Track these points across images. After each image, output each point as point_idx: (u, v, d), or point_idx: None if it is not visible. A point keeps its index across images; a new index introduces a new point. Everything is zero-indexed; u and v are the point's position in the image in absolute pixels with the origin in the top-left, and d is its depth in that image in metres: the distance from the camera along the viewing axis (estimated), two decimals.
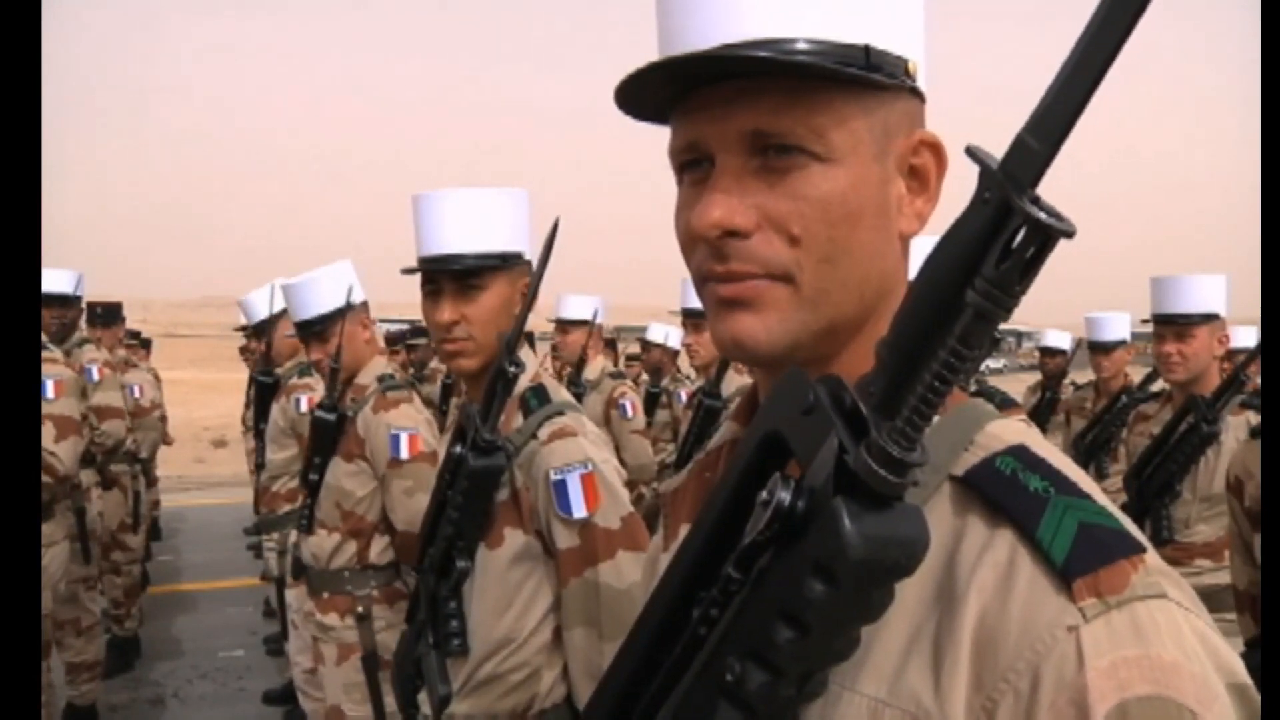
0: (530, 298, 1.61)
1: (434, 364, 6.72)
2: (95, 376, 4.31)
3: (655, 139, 0.71)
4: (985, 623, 0.54)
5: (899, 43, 0.65)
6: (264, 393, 4.03)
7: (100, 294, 6.15)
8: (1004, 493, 0.57)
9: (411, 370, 6.74)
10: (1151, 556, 0.55)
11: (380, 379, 2.73)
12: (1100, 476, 4.27)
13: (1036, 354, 5.88)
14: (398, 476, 2.59)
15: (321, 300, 2.71)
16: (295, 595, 3.17)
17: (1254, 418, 2.83)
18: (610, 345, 6.86)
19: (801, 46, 0.62)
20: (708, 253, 0.65)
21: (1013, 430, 0.63)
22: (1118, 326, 4.64)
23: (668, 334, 5.90)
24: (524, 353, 1.66)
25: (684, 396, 5.55)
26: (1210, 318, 2.96)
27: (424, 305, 1.76)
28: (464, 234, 1.71)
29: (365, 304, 2.84)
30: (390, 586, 2.67)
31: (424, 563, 1.72)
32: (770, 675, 0.49)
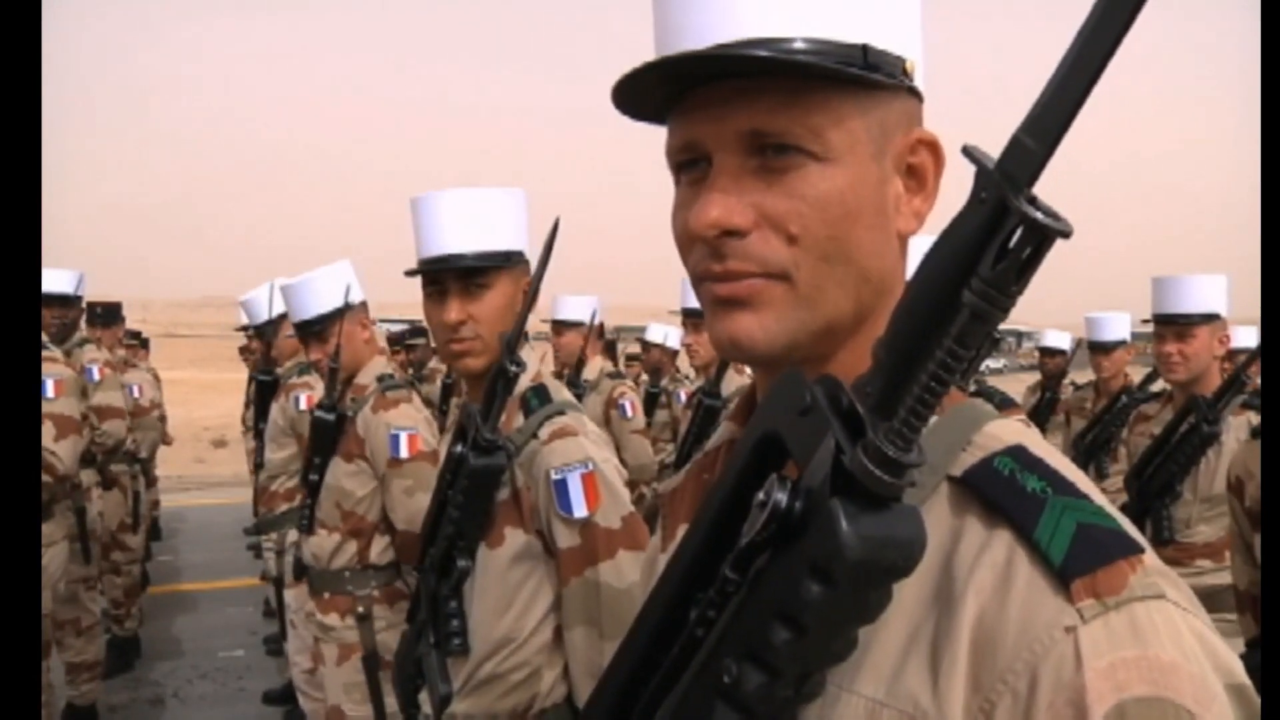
0: (531, 297, 1.61)
1: (434, 364, 6.72)
2: (95, 376, 4.31)
3: (655, 139, 0.71)
4: (983, 623, 0.54)
5: (897, 42, 0.65)
6: (264, 392, 4.03)
7: (100, 294, 6.15)
8: (1002, 493, 0.57)
9: (411, 370, 6.74)
10: (1150, 557, 0.55)
11: (380, 379, 2.73)
12: (1100, 476, 4.27)
13: (1036, 354, 5.88)
14: (398, 476, 2.59)
15: (320, 300, 2.72)
16: (295, 595, 3.17)
17: (1255, 418, 2.83)
18: (610, 346, 6.86)
19: (799, 46, 0.62)
20: (705, 252, 0.65)
21: (1011, 430, 0.63)
22: (1118, 326, 4.64)
23: (667, 334, 5.91)
24: (525, 352, 1.66)
25: (683, 396, 5.55)
26: (1211, 318, 2.95)
27: (427, 306, 1.76)
28: (466, 233, 1.71)
29: (364, 304, 2.84)
30: (391, 586, 2.67)
31: (425, 562, 1.72)
32: (767, 676, 0.49)
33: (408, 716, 1.88)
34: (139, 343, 8.27)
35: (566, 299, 4.80)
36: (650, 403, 5.67)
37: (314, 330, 2.73)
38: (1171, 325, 2.98)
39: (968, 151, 0.46)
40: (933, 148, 0.68)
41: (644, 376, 6.43)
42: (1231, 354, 3.58)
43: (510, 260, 1.74)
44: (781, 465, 0.53)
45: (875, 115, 0.64)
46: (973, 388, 2.60)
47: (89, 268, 4.39)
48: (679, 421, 5.16)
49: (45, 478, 3.16)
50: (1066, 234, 0.42)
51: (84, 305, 4.72)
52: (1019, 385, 6.88)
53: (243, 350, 6.88)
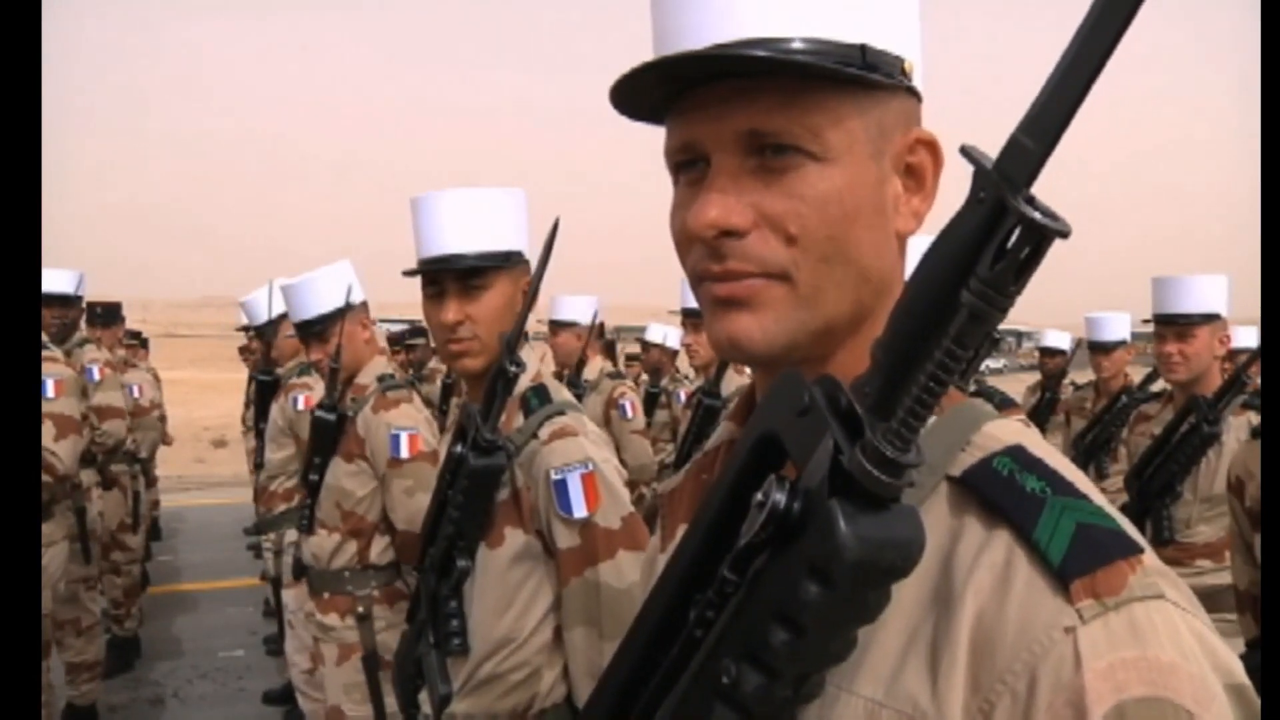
0: (531, 297, 1.61)
1: (434, 364, 6.72)
2: (96, 376, 4.31)
3: (655, 139, 0.72)
4: (982, 624, 0.54)
5: (895, 42, 0.65)
6: (265, 392, 4.03)
7: (100, 294, 6.15)
8: (1001, 493, 0.57)
9: (411, 370, 6.74)
10: (1149, 557, 0.55)
11: (380, 379, 2.73)
12: (1100, 477, 4.27)
13: (1036, 354, 5.88)
14: (398, 476, 2.59)
15: (321, 300, 2.72)
16: (294, 595, 3.17)
17: (1255, 418, 2.83)
18: (610, 346, 6.86)
19: (798, 46, 0.62)
20: (704, 253, 0.65)
21: (1010, 430, 0.63)
22: (1118, 326, 4.63)
23: (666, 334, 5.91)
24: (525, 352, 1.66)
25: (683, 396, 5.55)
26: (1211, 318, 2.95)
27: (426, 307, 1.76)
28: (465, 234, 1.71)
29: (365, 304, 2.84)
30: (391, 586, 2.67)
31: (424, 562, 1.72)
32: (766, 677, 0.49)
33: (408, 717, 1.88)
34: (139, 343, 8.27)
35: (564, 299, 4.80)
36: (650, 403, 5.67)
37: (314, 330, 2.73)
38: (1172, 325, 2.97)
39: (966, 151, 0.46)
40: (931, 147, 0.68)
41: (644, 376, 6.43)
42: (1232, 354, 3.58)
43: (509, 261, 1.74)
44: (780, 465, 0.53)
45: (874, 115, 0.64)
46: (973, 388, 2.60)
47: (89, 268, 4.39)
48: (679, 421, 5.16)
49: (45, 478, 3.16)
50: (1065, 234, 0.42)
51: (84, 305, 4.72)
52: (1019, 385, 6.88)
53: (243, 350, 6.88)
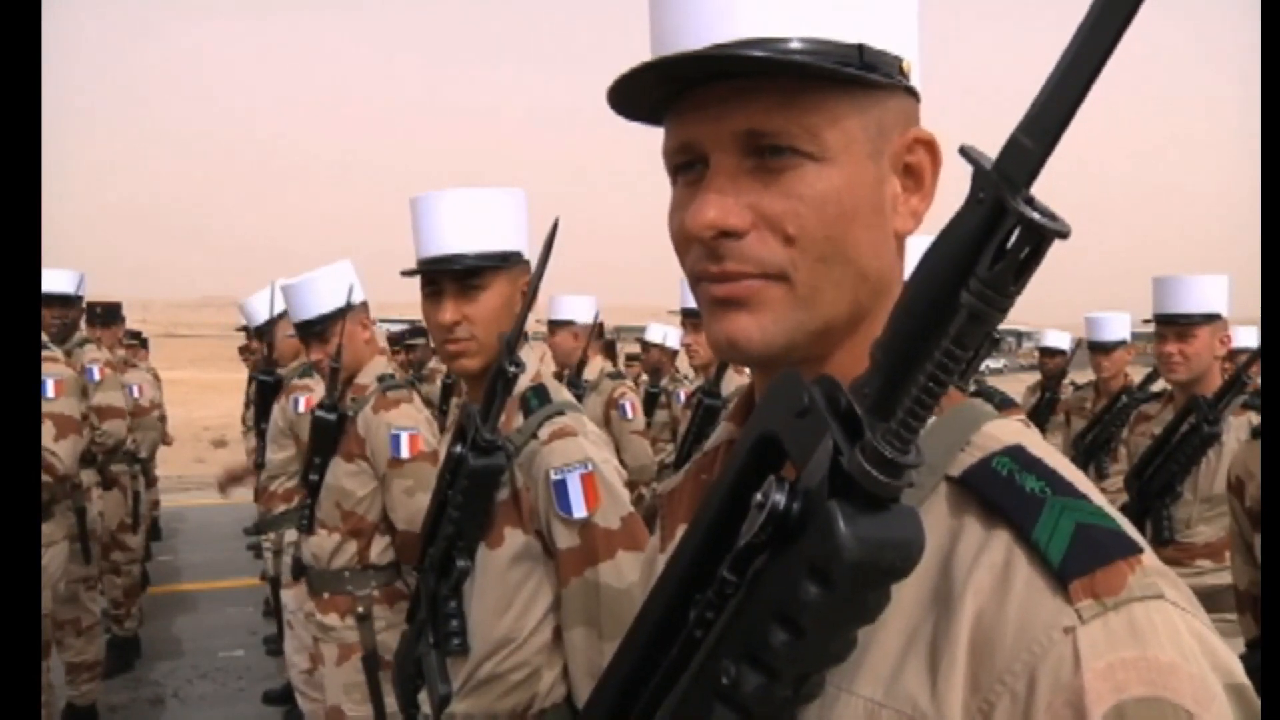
0: (530, 297, 1.61)
1: (434, 364, 6.72)
2: (96, 376, 4.31)
3: (654, 140, 0.71)
4: (982, 624, 0.54)
5: (893, 41, 0.65)
6: (266, 392, 4.03)
7: (100, 294, 6.15)
8: (1000, 493, 0.57)
9: (411, 370, 6.74)
10: (1148, 557, 0.55)
11: (380, 379, 2.73)
12: (1100, 477, 4.27)
13: (1036, 354, 5.88)
14: (398, 476, 2.59)
15: (321, 300, 2.72)
16: (294, 595, 3.17)
17: (1255, 418, 2.83)
18: (610, 346, 6.86)
19: (795, 46, 0.62)
20: (702, 253, 0.65)
21: (1009, 430, 0.63)
22: (1118, 326, 4.63)
23: (666, 334, 5.91)
24: (525, 352, 1.66)
25: (683, 396, 5.56)
26: (1212, 318, 2.95)
27: (424, 306, 1.76)
28: (463, 234, 1.71)
29: (365, 304, 2.84)
30: (391, 586, 2.67)
31: (424, 562, 1.72)
32: (766, 678, 0.49)
33: (407, 717, 1.88)
34: (139, 343, 8.27)
35: (562, 298, 4.80)
36: (650, 403, 5.67)
37: (315, 330, 2.73)
38: (1172, 325, 2.97)
39: (965, 152, 0.45)
40: (930, 147, 0.68)
41: (644, 376, 6.44)
42: (1232, 354, 3.58)
43: (507, 261, 1.74)
44: (779, 466, 0.53)
45: (872, 115, 0.64)
46: (973, 388, 2.60)
47: (89, 268, 4.39)
48: (679, 421, 5.16)
49: (45, 478, 3.16)
50: (1064, 234, 0.42)
51: (84, 305, 4.72)
52: (1019, 385, 6.88)
53: (243, 350, 6.88)
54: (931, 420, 0.49)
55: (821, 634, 0.47)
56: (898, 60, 0.65)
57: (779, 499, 0.48)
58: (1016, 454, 0.60)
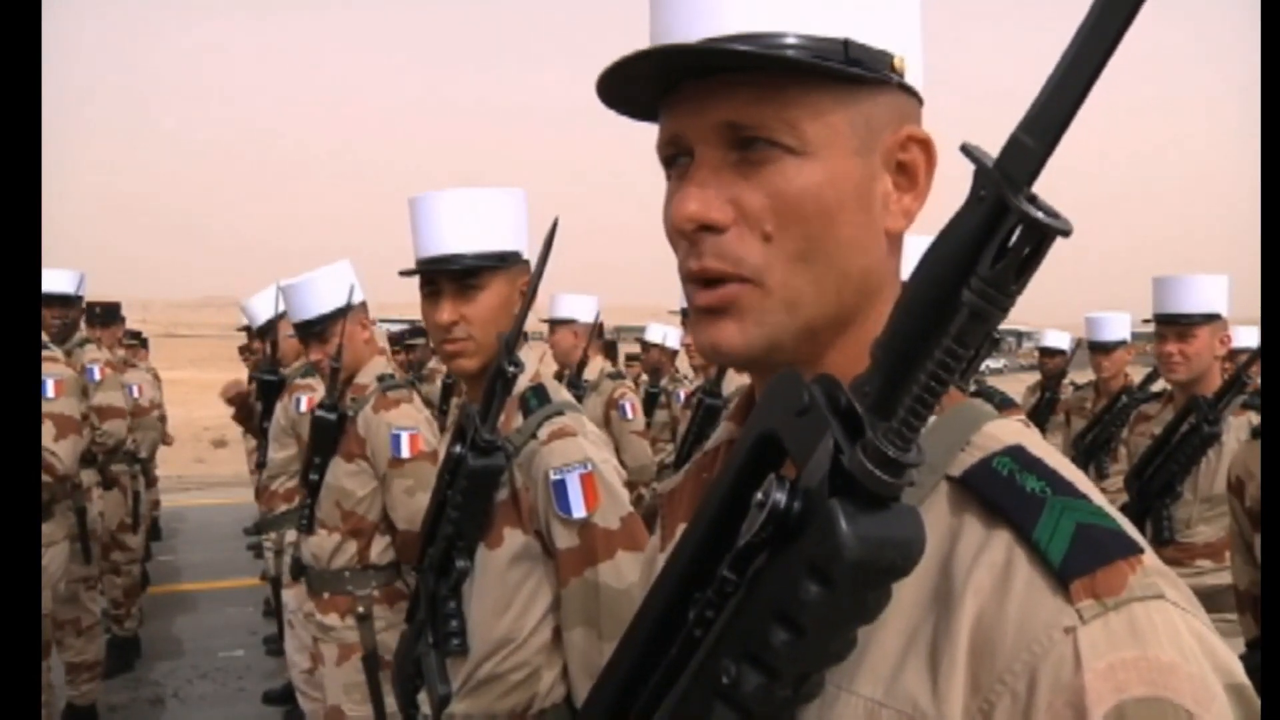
0: (529, 297, 1.61)
1: (434, 364, 6.73)
2: (96, 376, 4.31)
3: (654, 139, 0.72)
4: (982, 624, 0.54)
5: (885, 38, 0.64)
6: (268, 392, 4.04)
7: (100, 294, 6.15)
8: (1001, 493, 0.57)
9: (411, 370, 6.74)
10: (1149, 557, 0.55)
11: (380, 379, 2.73)
12: (1100, 476, 4.27)
13: (1036, 354, 5.88)
14: (399, 476, 2.59)
15: (321, 301, 2.72)
16: (294, 595, 3.17)
17: (1255, 418, 2.83)
18: (610, 346, 6.86)
19: (783, 41, 0.62)
20: (686, 249, 0.66)
21: (1010, 430, 0.63)
22: (1118, 326, 4.63)
23: (666, 334, 5.91)
24: (524, 352, 1.66)
25: (682, 396, 5.56)
26: (1212, 318, 2.95)
27: (423, 306, 1.76)
28: (462, 234, 1.71)
29: (364, 304, 2.85)
30: (391, 586, 2.67)
31: (424, 562, 1.72)
32: (766, 677, 0.49)
33: (407, 717, 1.88)
34: (139, 343, 8.26)
35: (562, 297, 4.80)
36: (650, 403, 5.67)
37: (314, 330, 2.73)
38: (1172, 325, 2.97)
39: (966, 149, 0.45)
40: (924, 145, 0.67)
41: (644, 376, 6.44)
42: (1232, 354, 3.58)
43: (505, 261, 1.74)
44: (779, 465, 0.52)
45: (860, 111, 0.64)
46: (973, 388, 2.60)
47: (89, 268, 4.39)
48: (679, 421, 5.17)
49: (45, 478, 3.16)
50: (1066, 232, 0.42)
51: (84, 305, 4.72)
52: (1019, 385, 6.88)
53: (243, 350, 6.88)
54: (932, 420, 0.49)
55: (822, 633, 0.47)
56: (889, 57, 0.64)
57: (779, 498, 0.48)
58: (1017, 454, 0.59)
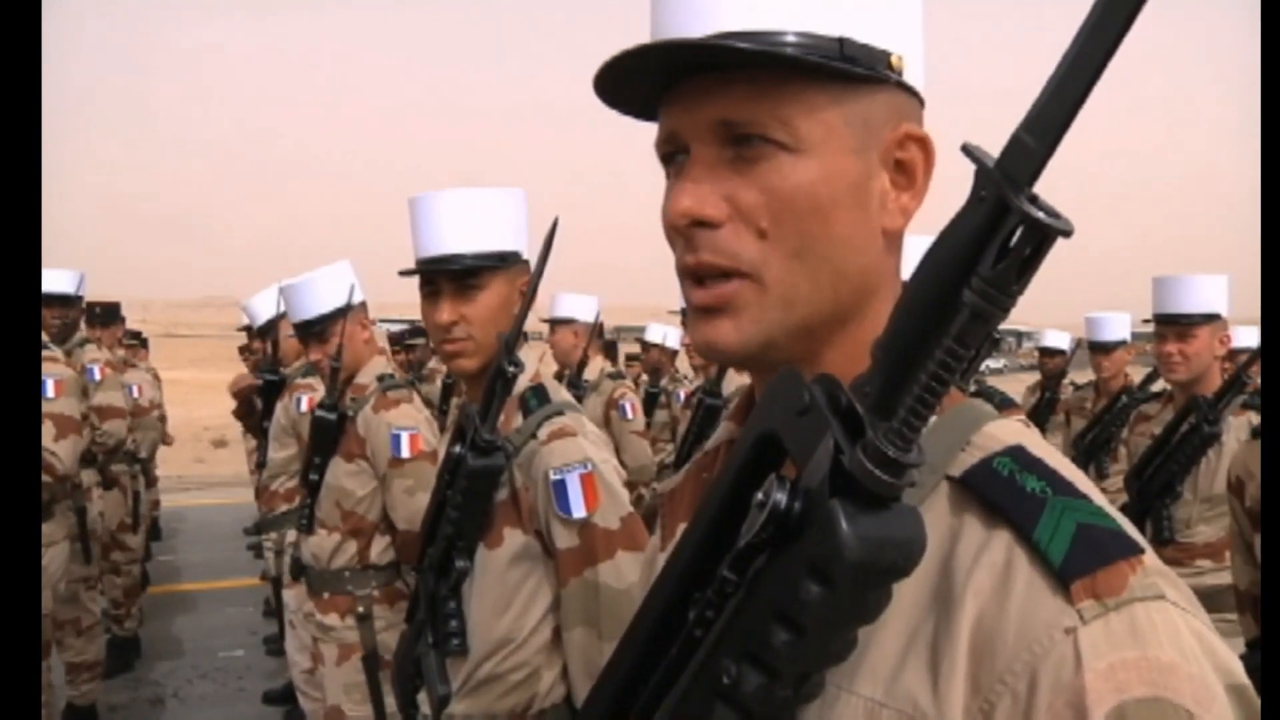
0: (529, 297, 1.61)
1: (434, 364, 6.73)
2: (96, 376, 4.31)
3: (653, 138, 0.72)
4: (982, 624, 0.54)
5: (883, 36, 0.64)
6: (270, 391, 4.04)
7: (100, 294, 6.15)
8: (1001, 493, 0.57)
9: (411, 370, 6.74)
10: (1149, 557, 0.55)
11: (380, 378, 2.73)
12: (1100, 476, 4.27)
13: (1036, 354, 5.88)
14: (399, 476, 2.59)
15: (320, 301, 2.72)
16: (294, 595, 3.18)
17: (1255, 418, 2.83)
18: (610, 346, 6.86)
19: (787, 39, 0.62)
20: (682, 245, 0.66)
21: (1010, 431, 0.63)
22: (1118, 326, 4.63)
23: (666, 334, 5.91)
24: (524, 352, 1.66)
25: (682, 396, 5.56)
26: (1212, 318, 2.95)
27: (423, 306, 1.76)
28: (461, 234, 1.71)
29: (364, 304, 2.85)
30: (391, 586, 2.67)
31: (423, 562, 1.72)
32: (767, 677, 0.49)
33: (407, 717, 1.88)
34: (139, 343, 8.26)
35: (563, 296, 4.80)
36: (650, 403, 5.67)
37: (314, 330, 2.73)
38: (1172, 325, 2.97)
39: (967, 149, 0.45)
40: (922, 143, 0.67)
41: (644, 376, 6.44)
42: (1232, 354, 3.58)
43: (505, 261, 1.74)
44: (779, 465, 0.52)
45: (856, 108, 0.64)
46: (973, 388, 2.60)
47: (89, 268, 4.39)
48: (679, 421, 5.17)
49: (45, 478, 3.16)
50: (1067, 233, 0.42)
51: (84, 305, 4.72)
52: (1019, 385, 6.88)
53: (243, 350, 6.88)
54: (932, 420, 0.49)
55: (822, 633, 0.47)
56: (886, 55, 0.64)
57: (780, 498, 0.48)
58: (1017, 454, 0.59)
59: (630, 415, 4.67)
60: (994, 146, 0.44)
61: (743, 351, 0.66)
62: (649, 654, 0.58)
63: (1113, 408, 4.45)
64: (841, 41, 0.62)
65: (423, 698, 1.77)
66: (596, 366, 4.87)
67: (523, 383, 1.69)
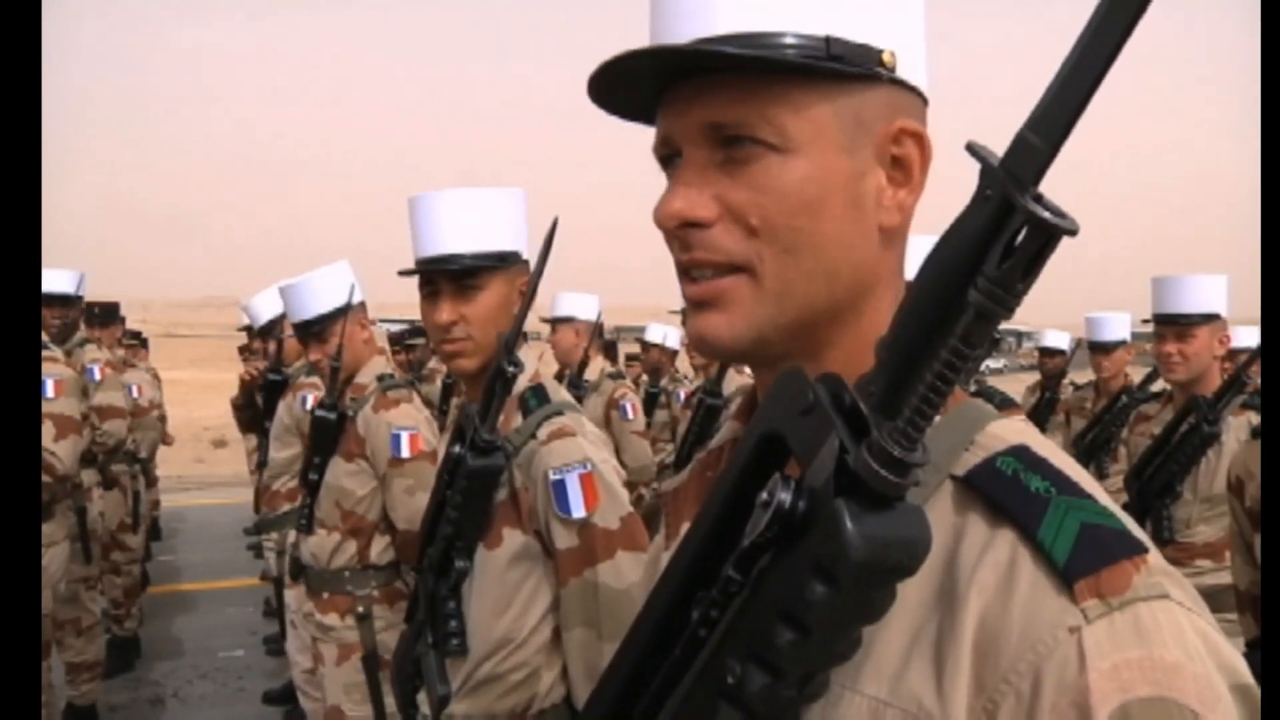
0: (529, 297, 1.60)
1: (434, 364, 6.73)
2: (97, 376, 4.31)
3: (653, 138, 0.72)
4: (986, 624, 0.54)
5: (872, 33, 0.64)
6: (271, 391, 4.04)
7: (100, 294, 6.15)
8: (1005, 493, 0.57)
9: (411, 370, 6.74)
10: (1154, 556, 0.54)
11: (380, 378, 2.73)
12: (1100, 476, 4.27)
13: (1036, 354, 5.87)
14: (399, 475, 2.59)
15: (320, 301, 2.72)
16: (294, 595, 3.18)
17: (1255, 418, 2.83)
18: (610, 346, 6.86)
19: (778, 41, 0.62)
20: (676, 245, 0.66)
21: (1014, 430, 0.63)
22: (1118, 326, 4.63)
23: (666, 334, 5.91)
24: (523, 352, 1.65)
25: (682, 396, 5.56)
26: (1211, 318, 2.95)
27: (422, 306, 1.76)
28: (461, 234, 1.71)
29: (363, 304, 2.85)
30: (390, 586, 2.67)
31: (423, 562, 1.71)
32: (771, 677, 0.48)
33: (406, 717, 1.87)
34: (139, 343, 8.26)
35: (564, 295, 4.80)
36: (650, 403, 5.67)
37: (313, 330, 2.73)
38: (1172, 325, 2.97)
39: (972, 148, 0.45)
40: (918, 138, 0.66)
41: (644, 376, 6.44)
42: (1232, 354, 3.58)
43: (505, 261, 1.74)
44: (783, 464, 0.52)
45: (847, 106, 0.64)
46: (973, 388, 2.60)
47: (89, 268, 4.39)
48: (679, 421, 5.17)
49: (45, 478, 3.16)
50: (1073, 232, 0.42)
51: (84, 305, 4.71)
52: (1019, 385, 6.88)
53: (243, 350, 6.88)
54: (936, 419, 0.49)
55: (827, 633, 0.47)
56: (877, 52, 0.64)
57: (784, 498, 0.48)
58: (1021, 454, 0.59)
59: (631, 415, 4.67)
60: (999, 147, 0.44)
61: (734, 345, 0.66)
62: (652, 653, 0.57)
63: (1113, 408, 4.45)
64: (829, 40, 0.62)
65: (422, 698, 1.77)
66: (597, 367, 4.87)
67: (522, 383, 1.69)
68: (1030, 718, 0.51)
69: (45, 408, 3.17)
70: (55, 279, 4.14)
